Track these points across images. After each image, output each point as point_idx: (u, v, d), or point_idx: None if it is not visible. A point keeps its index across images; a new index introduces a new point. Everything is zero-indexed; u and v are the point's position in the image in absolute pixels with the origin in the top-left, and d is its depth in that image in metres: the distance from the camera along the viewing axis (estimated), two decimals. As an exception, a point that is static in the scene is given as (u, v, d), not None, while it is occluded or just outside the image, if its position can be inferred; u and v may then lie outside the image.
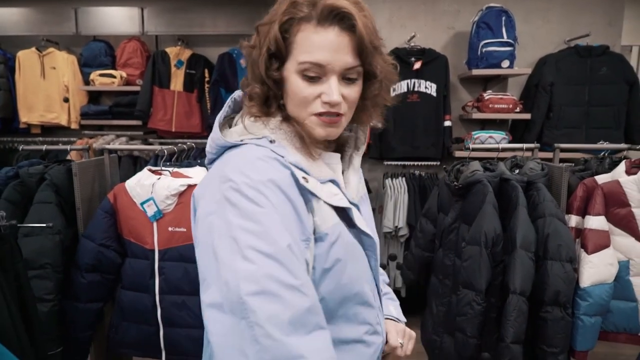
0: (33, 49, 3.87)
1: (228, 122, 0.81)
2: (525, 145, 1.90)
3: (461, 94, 3.32)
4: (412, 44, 3.09)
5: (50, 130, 4.08)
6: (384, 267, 3.11)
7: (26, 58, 3.87)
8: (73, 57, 3.96)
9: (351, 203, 0.78)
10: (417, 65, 3.00)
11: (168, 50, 3.84)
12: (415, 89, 3.05)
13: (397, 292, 3.08)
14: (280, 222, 0.64)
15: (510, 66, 2.94)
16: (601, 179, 1.83)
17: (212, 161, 0.78)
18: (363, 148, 0.88)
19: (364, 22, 0.71)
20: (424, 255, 2.16)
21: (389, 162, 3.12)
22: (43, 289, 1.66)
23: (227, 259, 0.61)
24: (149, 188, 1.73)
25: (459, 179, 1.87)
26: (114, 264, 1.79)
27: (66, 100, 3.93)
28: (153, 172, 1.80)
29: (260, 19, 0.76)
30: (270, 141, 0.73)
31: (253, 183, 0.66)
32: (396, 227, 2.94)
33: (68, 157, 2.71)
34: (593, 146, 2.08)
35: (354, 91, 0.75)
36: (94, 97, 4.13)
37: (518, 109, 3.00)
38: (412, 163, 3.12)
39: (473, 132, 3.00)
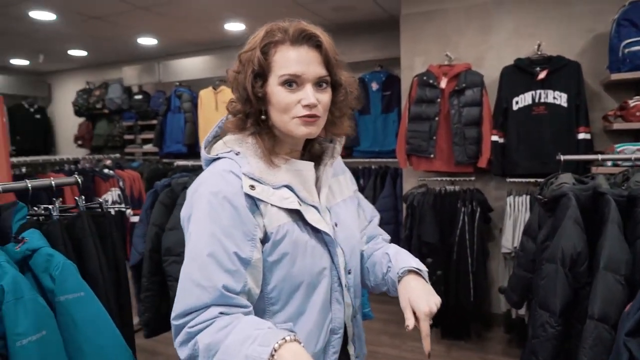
0: (210, 88, 4.83)
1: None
2: (633, 156, 1.65)
3: (606, 103, 2.93)
4: (540, 53, 2.90)
5: (221, 152, 4.99)
6: (504, 290, 2.91)
7: (205, 96, 4.85)
8: (239, 93, 4.80)
9: (311, 205, 0.92)
10: (542, 75, 2.80)
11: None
12: (542, 100, 2.84)
13: (522, 320, 2.85)
14: (214, 232, 0.83)
15: (665, 66, 2.51)
16: None
17: None
18: (337, 156, 1.01)
19: (327, 40, 0.89)
20: (526, 276, 2.02)
21: (512, 180, 2.94)
22: (178, 271, 2.14)
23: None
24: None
25: (550, 193, 1.74)
26: (230, 258, 2.19)
27: (232, 128, 4.77)
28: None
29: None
30: (236, 153, 0.90)
31: (207, 196, 0.84)
32: (515, 248, 2.75)
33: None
34: None
35: (325, 96, 0.90)
36: (254, 124, 4.91)
37: (679, 116, 2.53)
38: (540, 180, 2.87)
39: (616, 145, 2.63)
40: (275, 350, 0.70)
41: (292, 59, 0.86)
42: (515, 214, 2.79)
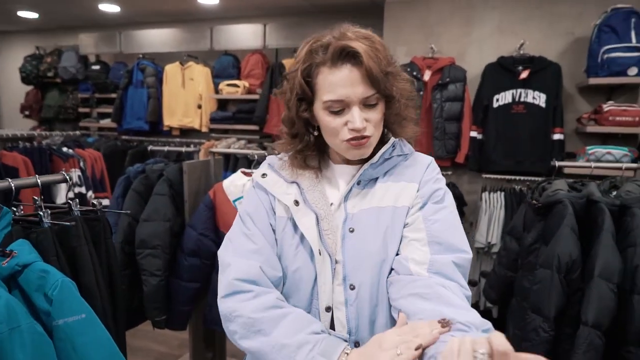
0: (177, 63, 4.56)
1: None
2: (624, 165, 1.70)
3: (580, 105, 3.03)
4: (522, 52, 2.93)
5: (186, 132, 4.75)
6: (475, 283, 2.99)
7: (171, 71, 4.58)
8: (207, 70, 4.55)
9: (312, 209, 0.87)
10: (524, 75, 2.84)
11: (285, 61, 4.19)
12: (521, 100, 2.88)
13: (488, 312, 2.94)
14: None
15: (640, 74, 2.60)
16: None
17: None
18: (381, 160, 0.89)
19: (371, 54, 0.79)
20: (506, 274, 2.06)
21: (488, 175, 3.00)
22: (154, 265, 2.01)
23: None
24: (241, 188, 1.98)
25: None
26: (210, 252, 2.08)
27: (199, 106, 4.54)
28: (245, 174, 2.05)
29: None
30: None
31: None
32: (489, 243, 2.81)
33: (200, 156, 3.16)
34: None
35: (376, 113, 0.84)
36: (222, 104, 4.69)
37: (648, 123, 2.64)
38: (514, 177, 2.94)
39: (587, 147, 2.72)
40: None
41: (334, 83, 0.81)
42: (490, 210, 2.85)
